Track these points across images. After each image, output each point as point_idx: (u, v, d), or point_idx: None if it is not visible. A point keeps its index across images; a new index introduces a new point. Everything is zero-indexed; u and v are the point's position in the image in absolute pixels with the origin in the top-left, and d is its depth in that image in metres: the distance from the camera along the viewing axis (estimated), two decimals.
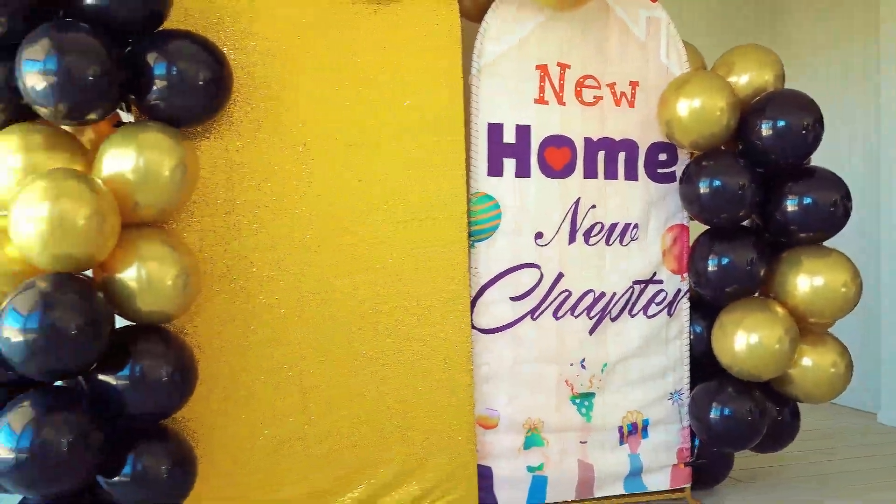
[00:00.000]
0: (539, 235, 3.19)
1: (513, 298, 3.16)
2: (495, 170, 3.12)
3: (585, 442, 3.26)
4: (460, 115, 3.05)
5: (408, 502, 3.01)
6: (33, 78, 2.34)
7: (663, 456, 3.36)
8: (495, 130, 3.12)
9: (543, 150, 3.18)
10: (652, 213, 3.33)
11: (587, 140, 3.24)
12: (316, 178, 2.90)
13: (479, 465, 3.12)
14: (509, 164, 3.14)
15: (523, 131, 3.15)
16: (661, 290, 3.35)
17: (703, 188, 3.15)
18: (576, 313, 3.24)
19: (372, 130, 2.96)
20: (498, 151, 3.12)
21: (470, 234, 3.09)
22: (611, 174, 3.27)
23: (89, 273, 2.55)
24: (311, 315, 2.90)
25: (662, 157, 3.35)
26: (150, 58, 2.52)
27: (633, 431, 3.32)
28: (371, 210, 2.97)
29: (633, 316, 3.32)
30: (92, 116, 2.47)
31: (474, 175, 3.10)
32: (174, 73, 2.53)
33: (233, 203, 2.83)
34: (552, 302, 3.20)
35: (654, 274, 3.33)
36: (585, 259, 3.25)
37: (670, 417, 3.37)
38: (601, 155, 3.26)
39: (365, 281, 2.95)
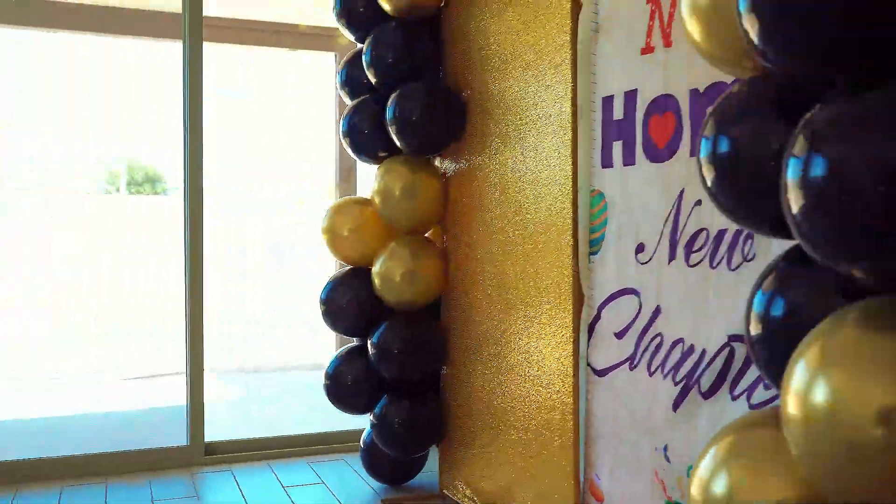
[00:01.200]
0: (640, 248, 2.16)
1: (616, 335, 2.26)
2: (608, 158, 2.32)
3: None
4: (567, 91, 2.43)
5: None
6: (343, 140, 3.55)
7: None
8: (608, 106, 2.31)
9: (648, 122, 2.13)
10: None
11: (693, 94, 1.96)
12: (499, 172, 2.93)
13: None
14: (617, 149, 2.26)
15: (630, 99, 2.21)
16: None
17: None
18: (665, 371, 2.02)
19: (497, 122, 2.78)
20: (609, 133, 2.31)
21: (590, 244, 2.42)
22: None
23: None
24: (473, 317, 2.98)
25: None
26: (388, 104, 3.28)
27: None
28: (500, 220, 2.80)
29: (734, 398, 1.78)
30: (383, 154, 3.45)
31: (593, 168, 2.40)
32: (397, 115, 3.23)
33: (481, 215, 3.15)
34: (646, 348, 2.11)
35: None
36: (686, 287, 1.98)
37: None
38: None
39: (497, 300, 2.81)
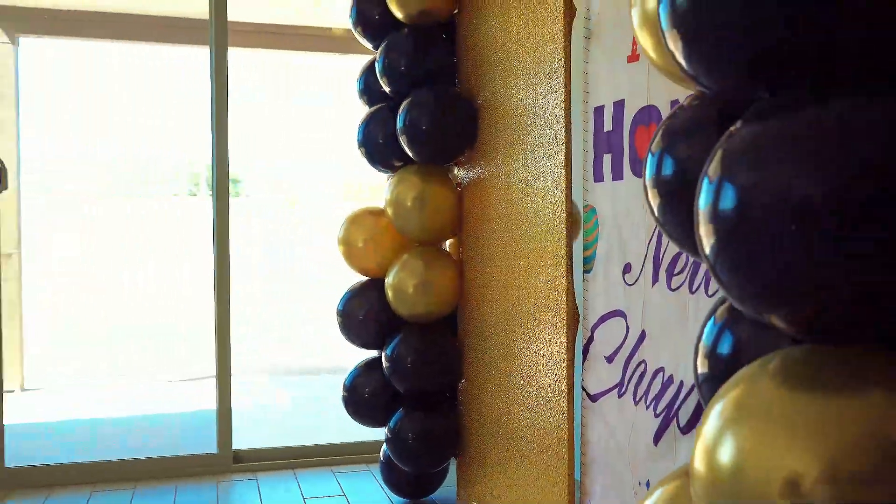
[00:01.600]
0: (627, 268, 2.04)
1: (606, 358, 2.15)
2: (599, 172, 2.20)
3: None
4: (560, 102, 2.33)
5: None
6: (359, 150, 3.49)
7: None
8: (599, 116, 2.19)
9: (634, 134, 2.01)
10: None
11: (674, 105, 1.83)
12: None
13: None
14: (607, 162, 2.15)
15: (619, 110, 2.09)
16: None
17: None
18: (648, 402, 1.90)
19: (504, 131, 2.69)
20: (600, 145, 2.19)
21: (584, 261, 2.30)
22: None
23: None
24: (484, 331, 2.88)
25: None
26: (399, 112, 3.21)
27: None
28: (506, 233, 2.70)
29: None
30: (398, 164, 3.39)
31: (586, 182, 2.28)
32: (407, 123, 3.16)
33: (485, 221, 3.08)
34: (632, 375, 1.99)
35: None
36: (668, 312, 1.85)
37: None
38: None
39: (504, 315, 2.72)
